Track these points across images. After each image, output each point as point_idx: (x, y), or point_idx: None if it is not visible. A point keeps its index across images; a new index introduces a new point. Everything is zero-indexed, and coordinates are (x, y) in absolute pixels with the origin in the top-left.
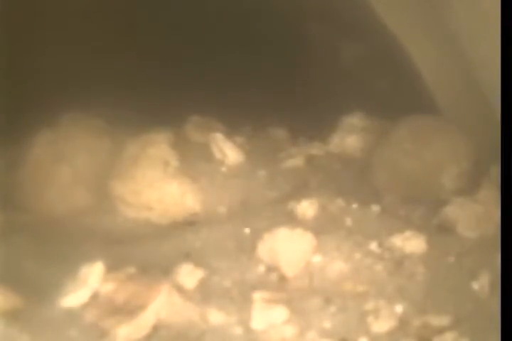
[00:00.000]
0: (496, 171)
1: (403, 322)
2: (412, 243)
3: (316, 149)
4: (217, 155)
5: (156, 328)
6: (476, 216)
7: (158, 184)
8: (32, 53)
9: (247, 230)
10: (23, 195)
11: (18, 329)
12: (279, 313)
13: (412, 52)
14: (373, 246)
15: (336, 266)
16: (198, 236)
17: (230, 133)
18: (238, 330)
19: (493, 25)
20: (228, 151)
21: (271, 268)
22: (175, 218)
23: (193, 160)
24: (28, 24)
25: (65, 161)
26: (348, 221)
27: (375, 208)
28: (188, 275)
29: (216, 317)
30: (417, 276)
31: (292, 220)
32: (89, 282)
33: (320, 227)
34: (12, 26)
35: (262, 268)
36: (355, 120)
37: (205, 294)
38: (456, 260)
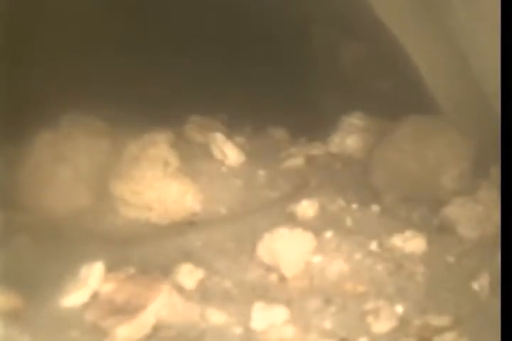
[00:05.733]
0: (496, 171)
1: (403, 322)
2: (412, 243)
3: (316, 149)
4: (217, 155)
5: (156, 328)
6: (476, 216)
7: (158, 184)
8: (32, 54)
9: (247, 230)
10: (23, 195)
11: (18, 329)
12: (279, 313)
13: (412, 52)
14: (373, 246)
15: (336, 266)
16: (198, 236)
17: (230, 133)
18: (238, 330)
19: (493, 25)
20: (228, 151)
21: (271, 269)
22: (175, 218)
23: (193, 160)
24: (28, 25)
25: (65, 161)
26: (348, 221)
27: (375, 208)
28: (188, 275)
29: (216, 317)
30: (417, 276)
31: (292, 220)
32: (89, 282)
33: (320, 227)
34: (13, 27)
35: (262, 269)
36: (355, 120)
37: (205, 294)
38: (456, 260)
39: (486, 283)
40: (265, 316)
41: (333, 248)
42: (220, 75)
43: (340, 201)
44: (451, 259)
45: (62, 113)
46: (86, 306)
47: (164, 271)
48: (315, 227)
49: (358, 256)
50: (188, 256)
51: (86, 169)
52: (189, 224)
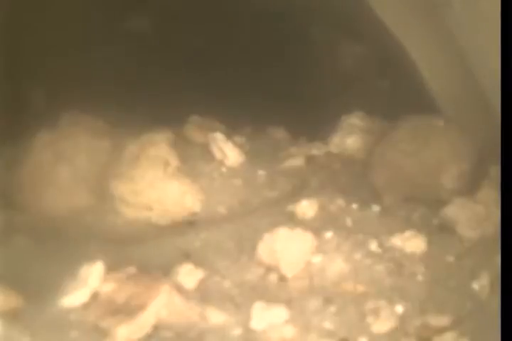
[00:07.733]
0: (496, 171)
1: (403, 322)
2: (412, 243)
3: (316, 149)
4: (217, 155)
5: (156, 328)
6: (476, 216)
7: (158, 184)
8: (32, 53)
9: (247, 230)
10: (23, 195)
11: (18, 329)
12: (279, 313)
13: (412, 52)
14: (373, 246)
15: (336, 266)
16: (198, 236)
17: (230, 133)
18: (238, 330)
19: (493, 25)
20: (228, 151)
21: (271, 269)
22: (175, 218)
23: (193, 160)
24: (28, 24)
25: (65, 161)
26: (348, 221)
27: (375, 208)
28: (188, 275)
29: (216, 317)
30: (417, 276)
31: (292, 220)
32: (89, 282)
33: (320, 227)
34: (13, 26)
35: (262, 268)
36: (355, 120)
37: (205, 294)
38: (456, 260)
39: (486, 283)
40: (265, 316)
41: (333, 248)
42: (220, 75)
43: (340, 201)
44: (451, 259)
45: (62, 112)
46: (86, 306)
47: (164, 270)
48: (315, 227)
49: (358, 256)
50: (188, 256)
51: (86, 169)
52: (189, 224)
